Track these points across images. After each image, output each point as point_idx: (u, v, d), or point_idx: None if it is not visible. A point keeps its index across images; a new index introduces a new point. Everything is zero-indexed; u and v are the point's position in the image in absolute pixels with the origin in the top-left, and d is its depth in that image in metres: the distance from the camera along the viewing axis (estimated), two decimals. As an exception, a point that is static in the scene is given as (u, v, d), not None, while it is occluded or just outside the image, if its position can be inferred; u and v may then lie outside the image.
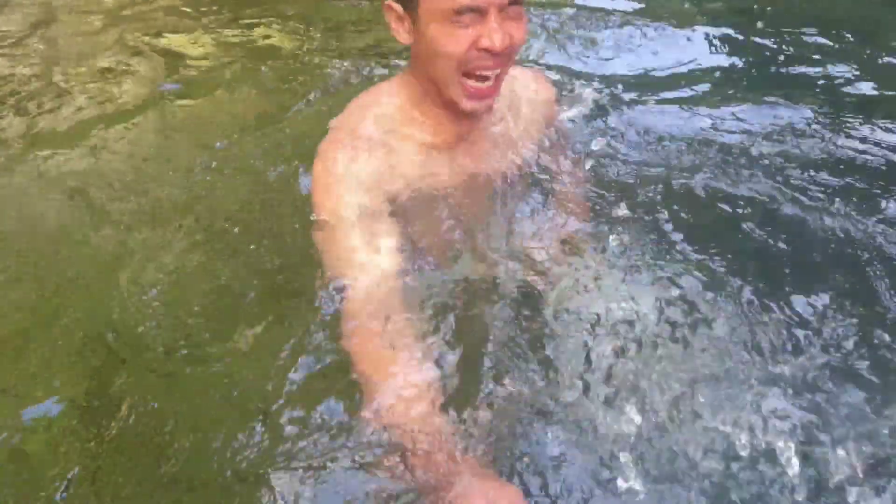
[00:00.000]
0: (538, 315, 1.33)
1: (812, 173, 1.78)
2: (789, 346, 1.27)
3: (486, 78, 1.20)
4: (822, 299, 1.37)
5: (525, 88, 1.48)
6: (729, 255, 1.47)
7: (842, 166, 1.84)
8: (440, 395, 1.08)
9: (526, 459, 1.08)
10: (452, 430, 1.04)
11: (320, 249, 1.25)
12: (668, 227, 1.54)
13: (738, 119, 2.10)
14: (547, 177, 1.50)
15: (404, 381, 1.08)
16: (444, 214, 1.34)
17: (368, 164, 1.24)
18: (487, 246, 1.37)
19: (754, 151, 1.87)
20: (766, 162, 1.82)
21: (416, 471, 0.99)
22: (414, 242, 1.29)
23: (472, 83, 1.20)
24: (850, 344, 1.28)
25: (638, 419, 1.12)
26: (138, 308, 1.50)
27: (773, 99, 2.20)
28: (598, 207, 1.58)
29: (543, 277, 1.37)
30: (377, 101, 1.33)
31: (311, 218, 1.27)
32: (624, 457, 1.08)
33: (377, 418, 1.06)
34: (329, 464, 1.08)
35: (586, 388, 1.19)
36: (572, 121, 1.87)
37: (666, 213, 1.57)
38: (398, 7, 1.20)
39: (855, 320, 1.32)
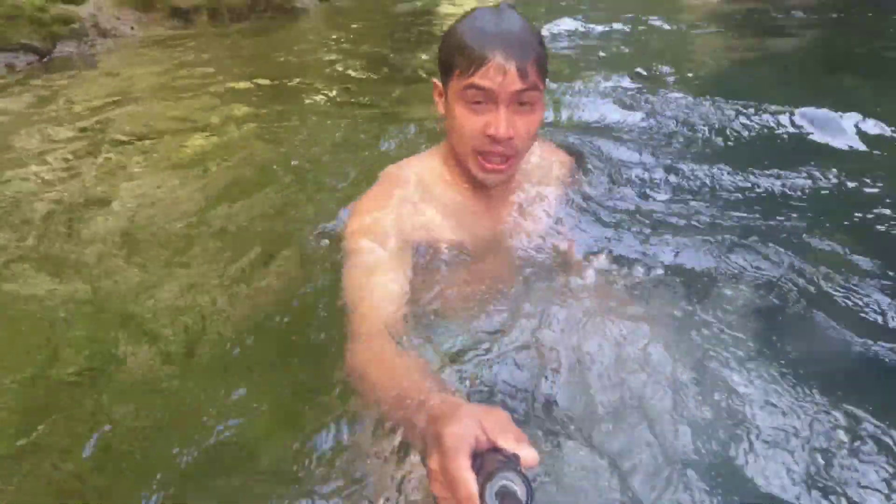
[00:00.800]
0: (551, 373, 1.33)
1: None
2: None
3: (496, 160, 1.35)
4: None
5: (544, 159, 1.63)
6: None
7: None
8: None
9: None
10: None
11: (342, 278, 1.35)
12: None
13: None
14: (560, 242, 1.56)
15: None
16: (460, 270, 1.44)
17: (395, 215, 1.39)
18: (501, 303, 1.43)
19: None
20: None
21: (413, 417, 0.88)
22: (426, 293, 1.39)
23: (484, 162, 1.35)
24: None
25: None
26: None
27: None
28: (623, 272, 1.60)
29: (556, 338, 1.38)
30: (414, 166, 1.52)
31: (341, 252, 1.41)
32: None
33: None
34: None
35: (592, 448, 1.20)
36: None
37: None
38: (440, 84, 1.40)
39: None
